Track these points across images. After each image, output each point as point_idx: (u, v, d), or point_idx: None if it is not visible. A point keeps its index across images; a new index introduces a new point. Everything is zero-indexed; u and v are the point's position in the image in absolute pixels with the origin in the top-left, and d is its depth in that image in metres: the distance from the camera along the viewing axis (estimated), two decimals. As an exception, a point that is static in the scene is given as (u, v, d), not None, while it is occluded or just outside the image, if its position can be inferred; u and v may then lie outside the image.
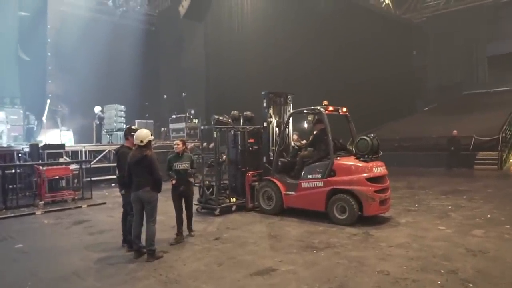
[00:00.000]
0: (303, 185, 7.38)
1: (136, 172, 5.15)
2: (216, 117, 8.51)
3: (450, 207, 8.26)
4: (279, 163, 7.99)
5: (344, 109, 7.66)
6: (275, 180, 7.85)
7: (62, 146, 12.45)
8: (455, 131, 16.37)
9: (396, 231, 6.37)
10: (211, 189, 8.41)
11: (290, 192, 7.62)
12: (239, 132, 8.56)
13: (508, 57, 25.26)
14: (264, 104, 8.27)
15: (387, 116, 22.71)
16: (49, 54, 19.11)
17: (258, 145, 8.67)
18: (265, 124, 8.28)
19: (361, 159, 6.97)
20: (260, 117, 8.44)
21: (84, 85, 18.45)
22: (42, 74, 18.66)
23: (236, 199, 8.47)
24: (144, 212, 5.20)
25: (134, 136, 5.24)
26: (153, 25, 23.99)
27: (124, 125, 17.72)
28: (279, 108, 8.63)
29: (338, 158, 7.08)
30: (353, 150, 7.60)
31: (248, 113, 8.97)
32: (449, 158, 16.15)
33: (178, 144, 6.18)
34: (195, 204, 7.96)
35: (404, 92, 26.23)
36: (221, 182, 8.78)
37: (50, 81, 19.10)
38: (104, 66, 19.43)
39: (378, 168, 6.94)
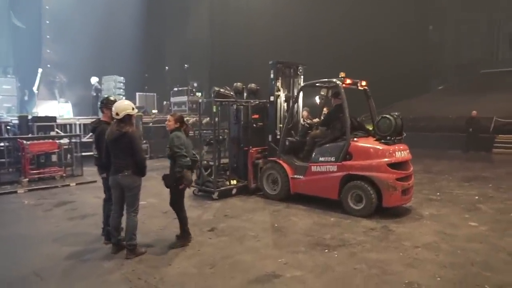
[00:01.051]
0: (314, 168, 6.46)
1: (115, 152, 4.27)
2: (217, 89, 7.54)
3: (477, 197, 7.33)
4: (287, 143, 7.05)
5: (364, 83, 6.65)
6: (281, 162, 6.94)
7: (53, 118, 11.58)
8: (474, 112, 15.27)
9: (420, 226, 5.49)
10: (209, 170, 7.54)
11: (298, 176, 6.72)
12: (242, 107, 7.61)
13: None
14: (272, 75, 7.25)
15: (400, 94, 21.41)
16: (47, 22, 18.09)
17: (263, 121, 7.72)
18: (271, 98, 7.29)
19: (382, 141, 6.01)
20: (266, 91, 7.45)
21: (83, 55, 17.53)
22: (38, 43, 17.70)
23: (237, 182, 7.62)
24: (125, 200, 4.34)
25: (112, 109, 4.33)
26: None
27: (124, 98, 16.95)
28: (288, 80, 7.61)
29: (355, 139, 6.13)
30: (372, 130, 6.67)
31: (252, 85, 7.99)
32: (467, 140, 15.11)
33: (168, 121, 4.74)
34: (192, 186, 7.14)
35: (418, 69, 24.76)
36: (221, 162, 7.92)
37: (48, 51, 18.19)
38: (104, 35, 18.43)
39: (402, 152, 5.99)
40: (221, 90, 7.55)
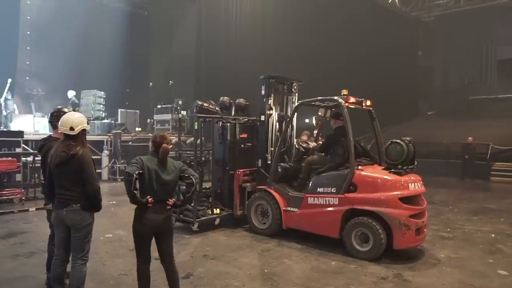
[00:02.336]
0: (310, 200, 5.52)
1: (59, 180, 3.26)
2: (200, 103, 6.61)
3: (493, 235, 6.47)
4: (279, 169, 6.11)
5: (368, 103, 5.81)
6: (272, 192, 5.97)
7: (19, 133, 10.43)
8: (470, 138, 14.69)
9: (440, 275, 4.55)
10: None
11: (291, 209, 5.76)
12: (228, 124, 6.68)
13: (519, 61, 23.83)
14: (263, 92, 6.36)
15: (388, 118, 20.88)
16: (28, 32, 17.10)
17: (253, 141, 6.80)
18: (262, 118, 6.38)
19: (392, 170, 5.13)
20: (257, 108, 6.56)
21: (63, 67, 16.53)
22: (13, 52, 16.62)
23: (221, 210, 6.60)
24: (71, 245, 3.30)
25: (59, 122, 3.34)
26: (145, 9, 22.05)
27: (104, 114, 15.97)
28: (282, 97, 6.74)
29: (360, 167, 5.25)
30: (378, 157, 5.81)
31: (241, 100, 7.09)
32: (463, 168, 14.47)
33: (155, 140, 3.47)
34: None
35: (407, 94, 24.56)
36: (203, 187, 6.91)
37: (28, 62, 17.15)
38: (85, 47, 17.55)
39: (415, 184, 5.12)
40: (205, 104, 6.63)
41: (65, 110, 3.98)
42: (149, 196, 3.26)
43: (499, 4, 24.16)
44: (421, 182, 5.27)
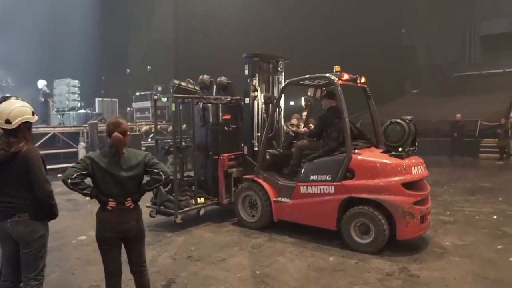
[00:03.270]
0: (303, 189, 5.02)
1: (1, 183, 2.65)
2: (177, 82, 5.96)
3: (495, 216, 6.11)
4: (267, 157, 5.57)
5: (363, 79, 5.29)
6: (260, 181, 5.44)
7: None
8: (458, 115, 14.46)
9: (449, 267, 4.12)
10: (169, 186, 5.86)
11: (282, 199, 5.25)
12: (209, 105, 6.09)
13: (503, 37, 23.56)
14: (246, 72, 5.76)
15: (373, 98, 20.67)
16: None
17: (237, 123, 6.25)
18: (247, 100, 5.80)
19: (392, 153, 4.65)
20: (240, 87, 5.98)
21: (33, 56, 15.61)
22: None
23: (206, 199, 6.06)
24: (21, 262, 2.71)
25: None
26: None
27: (79, 104, 15.13)
28: (267, 77, 6.16)
29: (357, 151, 4.75)
30: (374, 138, 5.33)
31: (223, 79, 6.51)
32: (452, 145, 14.24)
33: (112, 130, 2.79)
34: (146, 206, 5.57)
35: (391, 73, 24.24)
36: (184, 175, 6.33)
37: (-8, 50, 16.08)
38: (57, 34, 16.62)
39: (418, 168, 4.65)
40: (183, 83, 5.99)
41: (12, 99, 3.30)
42: (110, 199, 2.71)
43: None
44: (424, 165, 4.81)
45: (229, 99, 6.28)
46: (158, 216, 5.91)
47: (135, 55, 20.47)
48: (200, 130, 6.17)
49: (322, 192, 4.83)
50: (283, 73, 6.26)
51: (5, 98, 3.28)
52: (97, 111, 15.47)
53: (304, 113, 6.37)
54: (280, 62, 6.24)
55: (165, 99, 6.48)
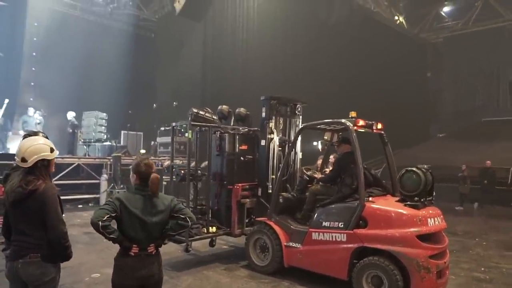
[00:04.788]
0: (315, 236, 4.91)
1: (16, 220, 2.66)
2: (195, 110, 6.03)
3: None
4: (280, 200, 5.52)
5: (380, 126, 5.25)
6: (272, 224, 5.37)
7: (12, 156, 9.98)
8: (488, 162, 13.95)
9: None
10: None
11: (294, 244, 5.14)
12: (226, 135, 6.16)
13: (532, 82, 23.27)
14: (264, 114, 5.86)
15: (399, 141, 20.32)
16: (34, 54, 17.00)
17: (253, 154, 6.29)
18: (263, 143, 5.86)
19: (408, 202, 4.52)
20: (258, 119, 6.06)
21: (67, 89, 16.33)
22: (16, 73, 16.50)
23: (217, 229, 6.01)
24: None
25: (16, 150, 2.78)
26: (151, 32, 22.07)
27: (105, 136, 15.56)
28: (284, 120, 6.22)
29: (371, 199, 4.65)
30: (391, 186, 5.21)
31: (241, 110, 6.63)
32: (482, 193, 13.69)
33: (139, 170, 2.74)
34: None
35: (417, 116, 24.04)
36: (197, 203, 6.32)
37: (32, 83, 17.00)
38: (88, 68, 17.38)
39: (435, 219, 4.49)
40: (201, 112, 6.07)
41: (39, 135, 3.12)
42: (134, 245, 2.62)
43: (508, 26, 23.81)
44: (442, 216, 4.64)
45: (246, 129, 6.34)
46: (171, 254, 5.87)
47: (162, 91, 21.12)
48: (216, 159, 6.24)
49: (334, 239, 4.71)
50: (301, 116, 6.32)
51: (35, 133, 3.26)
52: (121, 143, 15.84)
53: (319, 161, 6.32)
54: (298, 105, 6.32)
55: (189, 133, 6.56)
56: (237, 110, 6.67)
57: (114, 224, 2.61)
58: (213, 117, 6.35)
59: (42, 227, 2.60)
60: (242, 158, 6.21)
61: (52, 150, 2.78)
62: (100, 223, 2.48)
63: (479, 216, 11.71)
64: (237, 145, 6.23)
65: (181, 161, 14.13)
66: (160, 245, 2.77)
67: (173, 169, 6.42)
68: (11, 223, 2.69)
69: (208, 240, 6.15)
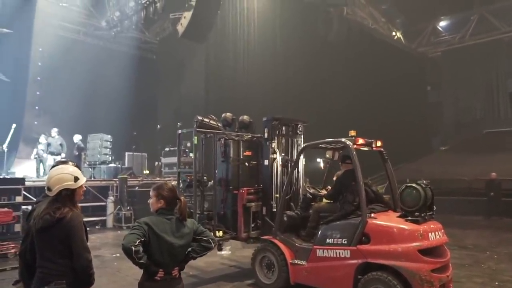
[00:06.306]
0: (319, 253, 5.03)
1: (42, 247, 2.69)
2: (200, 118, 6.21)
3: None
4: (285, 218, 5.66)
5: (379, 143, 5.42)
6: (277, 242, 5.49)
7: (20, 180, 10.20)
8: (493, 174, 13.98)
9: None
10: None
11: (299, 262, 5.25)
12: (231, 141, 6.37)
13: (532, 93, 23.46)
14: (266, 135, 6.06)
15: (400, 156, 20.47)
16: (39, 78, 17.33)
17: (257, 159, 6.51)
18: (266, 163, 6.04)
19: (408, 218, 4.65)
20: (261, 126, 6.26)
21: (71, 112, 16.59)
22: (22, 98, 16.81)
23: (224, 233, 6.15)
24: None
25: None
26: (153, 53, 22.50)
27: (110, 158, 15.71)
28: (286, 140, 6.41)
29: (373, 215, 4.78)
30: (391, 202, 5.34)
31: (245, 117, 6.84)
32: (488, 206, 13.70)
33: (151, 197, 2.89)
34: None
35: (418, 130, 24.23)
36: (204, 209, 6.44)
37: (37, 107, 17.28)
38: (92, 91, 17.67)
39: (436, 233, 4.60)
40: (205, 120, 6.26)
41: (69, 163, 3.03)
42: (160, 269, 2.66)
43: (505, 38, 24.16)
44: (443, 230, 4.75)
45: (250, 136, 6.53)
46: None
47: (166, 112, 21.40)
48: (221, 165, 6.44)
49: (338, 256, 4.82)
50: (302, 136, 6.50)
51: (63, 163, 3.18)
52: (126, 165, 15.98)
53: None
54: (299, 125, 6.51)
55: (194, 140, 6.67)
56: (240, 118, 6.88)
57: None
58: (218, 124, 6.54)
59: (68, 255, 2.64)
60: (246, 163, 6.43)
61: (76, 179, 2.81)
62: (133, 248, 2.51)
63: (487, 228, 11.68)
64: (242, 151, 6.44)
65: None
66: (183, 268, 2.81)
67: (179, 175, 6.57)
68: (37, 249, 2.71)
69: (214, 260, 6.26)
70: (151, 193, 2.84)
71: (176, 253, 2.72)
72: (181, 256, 2.77)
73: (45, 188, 2.77)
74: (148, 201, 2.86)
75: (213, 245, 2.82)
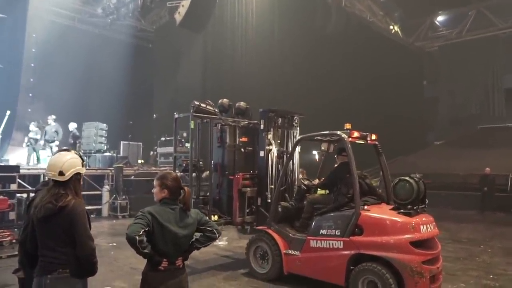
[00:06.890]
0: (313, 243, 5.09)
1: (44, 236, 2.62)
2: (197, 103, 6.23)
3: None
4: (279, 209, 5.72)
5: (374, 137, 5.47)
6: (272, 233, 5.55)
7: (15, 168, 10.16)
8: (487, 169, 14.15)
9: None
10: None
11: (293, 252, 5.32)
12: (227, 127, 6.42)
13: (527, 89, 23.58)
14: (262, 126, 6.09)
15: (396, 149, 20.58)
16: (32, 65, 17.13)
17: (253, 145, 6.55)
18: (262, 154, 6.08)
19: (401, 210, 4.71)
20: (257, 112, 6.32)
21: (66, 100, 16.47)
22: (16, 85, 16.64)
23: (219, 217, 6.22)
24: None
25: (47, 164, 2.79)
26: (149, 42, 22.31)
27: (105, 146, 15.64)
28: (282, 132, 6.44)
29: (366, 207, 4.84)
30: (385, 195, 5.41)
31: (242, 104, 6.87)
32: (482, 200, 13.89)
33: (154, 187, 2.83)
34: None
35: (414, 124, 24.31)
36: (200, 194, 6.51)
37: (30, 94, 17.10)
38: (88, 79, 17.57)
39: (427, 226, 4.68)
40: (202, 105, 6.28)
41: (72, 152, 2.86)
42: (164, 259, 2.65)
43: (502, 34, 24.22)
44: (434, 223, 4.83)
45: (246, 122, 6.58)
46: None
47: (162, 102, 21.32)
48: (217, 150, 6.51)
49: (331, 247, 4.89)
50: (298, 128, 6.54)
51: (67, 150, 3.02)
52: (121, 154, 15.93)
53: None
54: (295, 117, 6.54)
55: (188, 144, 6.75)
56: (237, 104, 6.90)
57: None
58: (215, 109, 6.56)
59: (71, 243, 2.59)
60: (242, 149, 6.49)
61: (83, 164, 2.78)
62: (137, 237, 2.47)
63: (481, 222, 11.85)
64: (238, 137, 6.49)
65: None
66: (187, 258, 2.81)
67: (176, 159, 6.61)
68: (38, 239, 2.64)
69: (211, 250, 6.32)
70: (154, 182, 2.81)
71: (180, 243, 2.71)
72: (185, 246, 2.75)
73: (54, 173, 2.64)
74: (152, 190, 2.83)
75: (217, 235, 2.81)
